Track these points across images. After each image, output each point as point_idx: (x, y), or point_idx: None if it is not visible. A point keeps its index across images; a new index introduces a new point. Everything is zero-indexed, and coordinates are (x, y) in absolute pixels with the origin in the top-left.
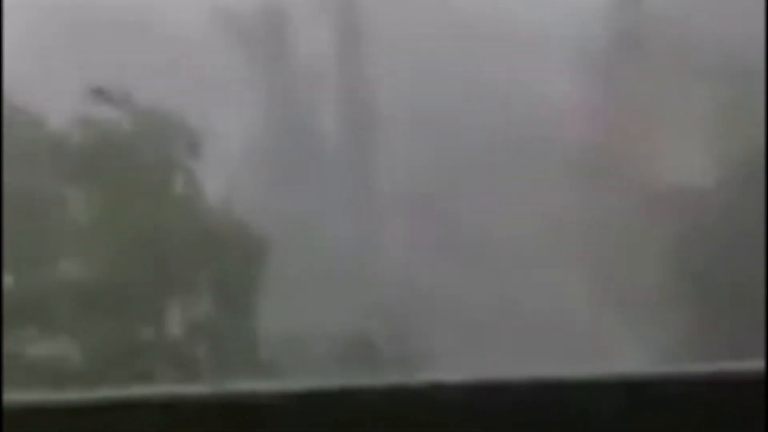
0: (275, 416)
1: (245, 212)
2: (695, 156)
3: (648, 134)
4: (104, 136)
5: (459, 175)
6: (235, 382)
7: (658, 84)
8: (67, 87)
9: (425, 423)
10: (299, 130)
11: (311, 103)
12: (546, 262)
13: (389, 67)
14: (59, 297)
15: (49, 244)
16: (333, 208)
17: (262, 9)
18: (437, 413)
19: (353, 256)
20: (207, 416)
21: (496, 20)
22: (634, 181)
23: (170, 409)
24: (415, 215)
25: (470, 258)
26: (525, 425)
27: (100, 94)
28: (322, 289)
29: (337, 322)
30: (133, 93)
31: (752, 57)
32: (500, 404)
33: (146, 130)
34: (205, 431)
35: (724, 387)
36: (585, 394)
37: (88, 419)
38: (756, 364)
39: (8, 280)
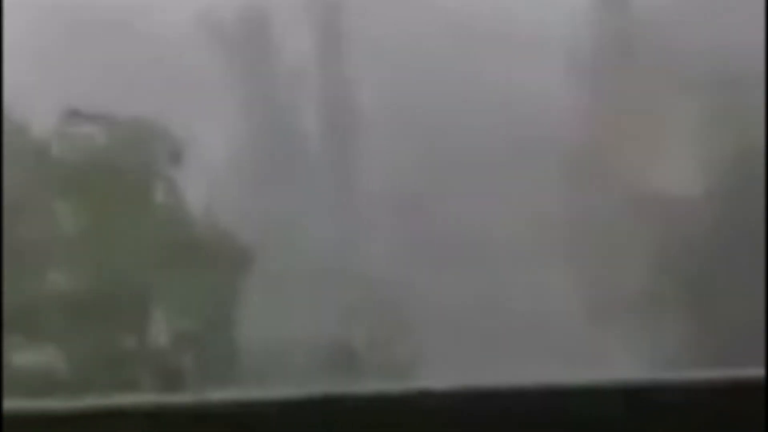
0: (260, 425)
1: (229, 218)
2: (687, 161)
3: (640, 139)
4: (87, 146)
5: (445, 177)
6: (220, 390)
7: (648, 89)
8: (49, 96)
9: (412, 431)
10: (283, 134)
11: (295, 106)
12: (535, 264)
13: (374, 69)
14: (43, 306)
15: (33, 253)
16: (316, 212)
17: (247, 14)
18: (424, 421)
19: (337, 259)
20: (191, 425)
21: (485, 21)
22: (626, 185)
23: (155, 418)
24: (400, 217)
25: (456, 260)
26: None
27: (76, 115)
28: (305, 294)
29: (320, 327)
30: (117, 101)
31: (743, 62)
32: (489, 412)
33: (128, 140)
34: None
35: (724, 394)
36: (579, 401)
37: (72, 428)
38: (756, 372)
39: None
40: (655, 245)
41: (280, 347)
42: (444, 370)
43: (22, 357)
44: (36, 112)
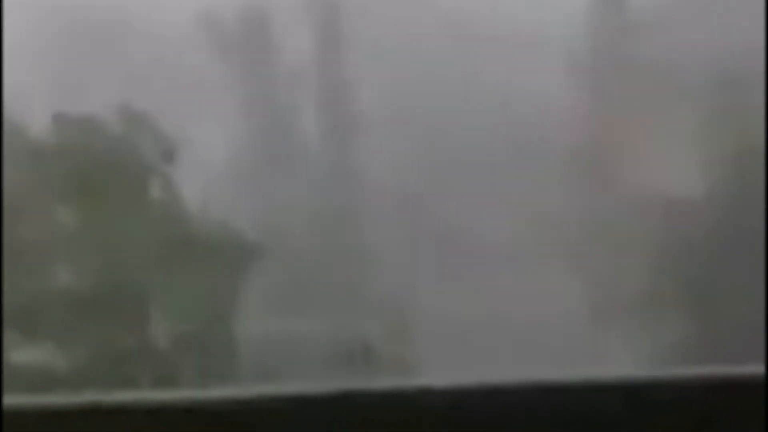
0: (262, 421)
1: (229, 217)
2: (688, 161)
3: (640, 139)
4: (84, 142)
5: (444, 177)
6: (222, 387)
7: (648, 89)
8: (47, 96)
9: (414, 428)
10: (283, 134)
11: (294, 106)
12: (535, 265)
13: (374, 69)
14: (43, 303)
15: (33, 251)
16: (316, 211)
17: (247, 14)
18: (425, 418)
19: (337, 259)
20: (190, 422)
21: (485, 21)
22: (626, 185)
23: (154, 414)
24: (399, 218)
25: (456, 260)
26: (517, 430)
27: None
28: (305, 293)
29: (319, 327)
30: (117, 101)
31: (744, 62)
32: (491, 409)
33: (126, 137)
34: None
35: (724, 391)
36: (579, 397)
37: (71, 424)
38: (756, 369)
39: None
40: (655, 246)
41: (277, 345)
42: (442, 368)
43: (21, 355)
44: (33, 111)
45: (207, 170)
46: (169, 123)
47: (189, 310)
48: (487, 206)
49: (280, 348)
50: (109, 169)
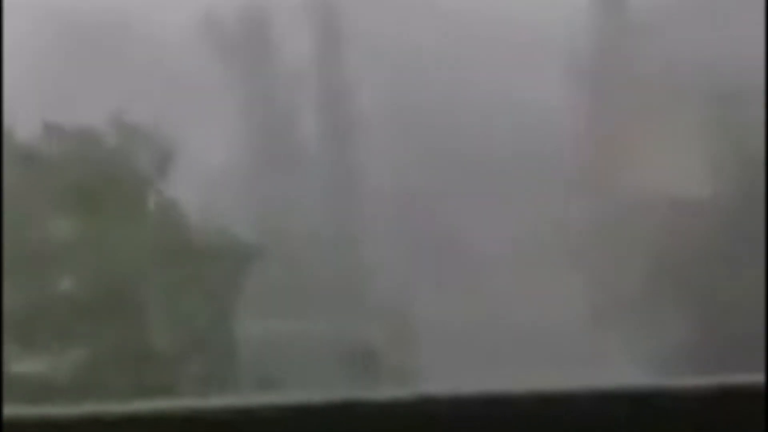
0: (262, 431)
1: (230, 218)
2: (688, 166)
3: (639, 143)
4: (80, 153)
5: (444, 179)
6: (222, 396)
7: (647, 93)
8: (46, 99)
9: None
10: (283, 135)
11: (294, 107)
12: (535, 267)
13: (373, 71)
14: (44, 312)
15: (32, 259)
16: (316, 212)
17: (247, 15)
18: (426, 427)
19: (337, 261)
20: (192, 431)
21: (485, 23)
22: (626, 190)
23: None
24: (399, 219)
25: (456, 261)
26: None
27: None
28: (305, 296)
29: (320, 329)
30: (116, 102)
31: (744, 69)
32: (492, 418)
33: (123, 143)
34: None
35: (724, 400)
36: (581, 406)
37: None
38: (756, 378)
39: None
40: (656, 249)
41: (278, 348)
42: (443, 369)
43: (20, 365)
44: (32, 116)
45: (207, 172)
46: (169, 125)
47: (189, 317)
48: (487, 208)
49: (281, 351)
50: (106, 179)
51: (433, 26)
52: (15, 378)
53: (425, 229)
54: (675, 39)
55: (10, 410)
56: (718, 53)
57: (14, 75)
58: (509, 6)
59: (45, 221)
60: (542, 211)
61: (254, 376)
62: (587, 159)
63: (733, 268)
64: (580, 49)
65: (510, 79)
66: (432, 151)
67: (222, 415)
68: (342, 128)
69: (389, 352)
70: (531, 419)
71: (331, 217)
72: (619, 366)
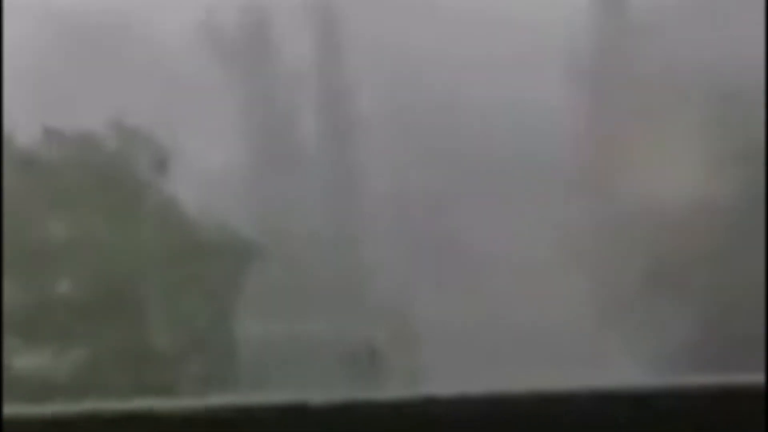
0: (256, 430)
1: (230, 220)
2: (688, 168)
3: (640, 145)
4: (79, 158)
5: (446, 180)
6: (222, 396)
7: (648, 95)
8: (46, 101)
9: None
10: (283, 137)
11: (295, 110)
12: (536, 270)
13: (374, 73)
14: (44, 311)
15: (31, 258)
16: (316, 214)
17: (247, 18)
18: (430, 428)
19: (337, 261)
20: (192, 430)
21: (485, 25)
22: (628, 190)
23: (155, 422)
24: (399, 221)
25: (456, 263)
26: None
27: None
28: (306, 296)
29: (320, 331)
30: (115, 104)
31: (744, 69)
32: (496, 418)
33: (123, 147)
34: None
35: (723, 400)
36: (584, 406)
37: None
38: (756, 378)
39: None
40: (655, 251)
41: (276, 348)
42: (443, 375)
43: (21, 361)
44: (31, 119)
45: (208, 173)
46: (169, 126)
47: (189, 316)
48: (487, 207)
49: (281, 351)
50: (106, 181)
51: (433, 27)
52: (16, 377)
53: (425, 228)
54: (676, 39)
55: (10, 409)
56: (718, 53)
57: (14, 76)
58: (509, 6)
59: (43, 222)
60: (543, 211)
61: (254, 376)
62: (587, 159)
63: (733, 268)
64: (580, 49)
65: (510, 79)
66: (432, 151)
67: (222, 415)
68: (342, 128)
69: (390, 353)
70: (531, 419)
71: (331, 217)
72: (619, 366)
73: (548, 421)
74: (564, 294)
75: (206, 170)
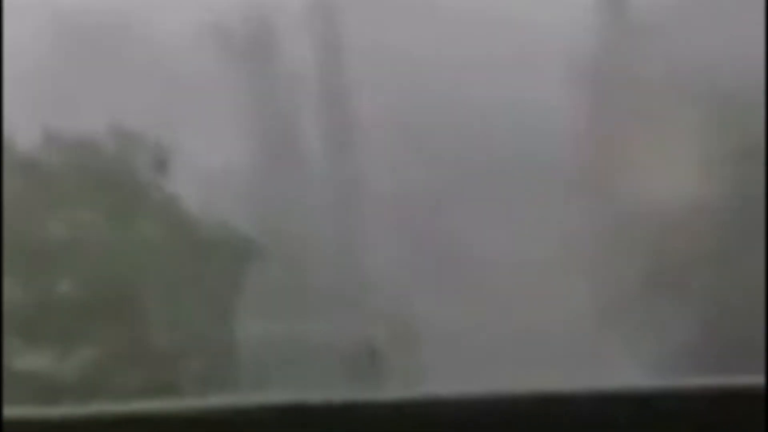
0: (255, 430)
1: (230, 220)
2: (688, 169)
3: (640, 147)
4: (81, 158)
5: (447, 183)
6: (223, 397)
7: (649, 96)
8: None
9: None
10: (284, 139)
11: (297, 112)
12: (536, 271)
13: (376, 76)
14: (44, 311)
15: (31, 258)
16: (316, 216)
17: (249, 20)
18: (431, 428)
19: (337, 264)
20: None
21: (485, 26)
22: (628, 190)
23: (157, 424)
24: (400, 223)
25: (456, 265)
26: None
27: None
28: (306, 297)
29: (320, 332)
30: (115, 104)
31: (744, 70)
32: (498, 419)
33: (123, 149)
34: None
35: (723, 402)
36: (585, 407)
37: None
38: (756, 380)
39: None
40: (655, 251)
41: (277, 350)
42: (443, 375)
43: (22, 361)
44: (31, 122)
45: (208, 174)
46: (170, 127)
47: (190, 316)
48: (488, 209)
49: (281, 351)
50: (105, 182)
51: (433, 27)
52: (16, 378)
53: (426, 230)
54: (677, 40)
55: (10, 411)
56: (718, 54)
57: (14, 77)
58: (509, 6)
59: (43, 222)
60: (542, 212)
61: (254, 376)
62: (587, 159)
63: (733, 269)
64: (580, 49)
65: (510, 79)
66: (432, 152)
67: (222, 415)
68: (342, 129)
69: (390, 353)
70: (531, 419)
71: (331, 218)
72: (619, 367)
73: (548, 422)
74: (564, 294)
75: (207, 170)
